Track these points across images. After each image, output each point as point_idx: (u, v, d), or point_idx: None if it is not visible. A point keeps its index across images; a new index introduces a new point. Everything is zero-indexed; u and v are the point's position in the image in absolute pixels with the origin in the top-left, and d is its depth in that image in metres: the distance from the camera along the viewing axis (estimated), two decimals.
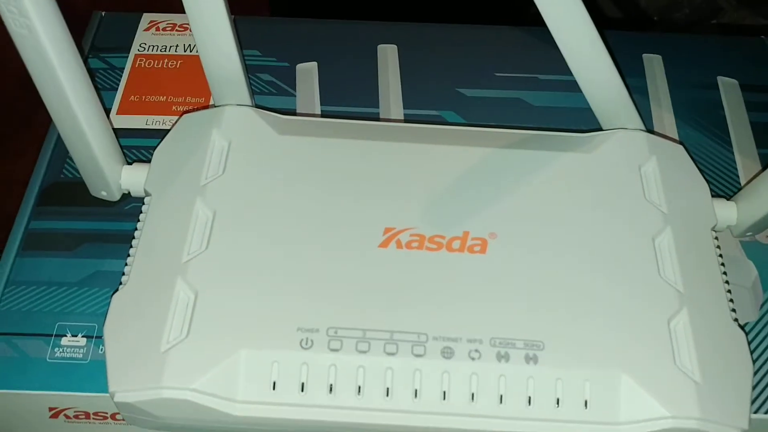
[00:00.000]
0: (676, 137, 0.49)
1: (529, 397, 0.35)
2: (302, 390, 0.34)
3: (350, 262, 0.37)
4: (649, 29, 0.79)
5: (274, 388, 0.34)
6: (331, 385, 0.34)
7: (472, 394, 0.35)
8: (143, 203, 0.41)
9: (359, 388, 0.35)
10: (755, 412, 0.39)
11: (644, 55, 0.54)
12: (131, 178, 0.42)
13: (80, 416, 0.39)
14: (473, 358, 0.35)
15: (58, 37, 0.35)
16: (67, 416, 0.39)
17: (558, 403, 0.35)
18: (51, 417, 0.39)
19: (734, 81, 0.52)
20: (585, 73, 0.42)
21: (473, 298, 0.37)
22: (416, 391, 0.35)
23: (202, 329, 0.35)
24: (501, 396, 0.35)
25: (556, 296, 0.37)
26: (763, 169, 0.44)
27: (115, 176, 0.42)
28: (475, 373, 0.35)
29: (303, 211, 0.39)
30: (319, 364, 0.34)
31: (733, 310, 0.39)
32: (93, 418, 0.40)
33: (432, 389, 0.35)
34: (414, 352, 0.35)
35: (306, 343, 0.35)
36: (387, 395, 0.34)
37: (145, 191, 0.41)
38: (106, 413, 0.39)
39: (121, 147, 0.45)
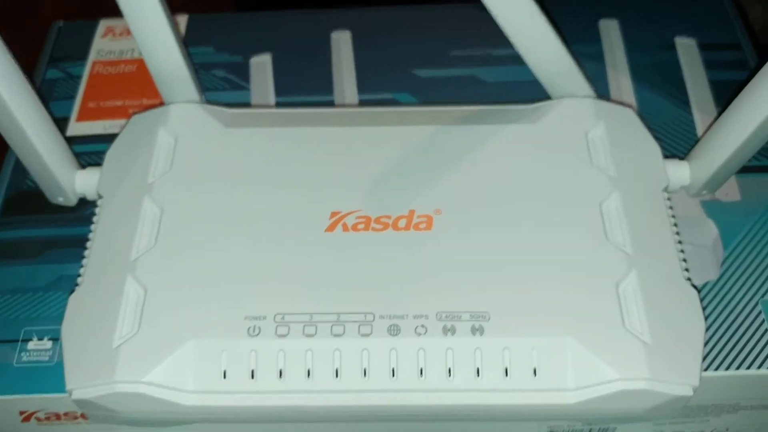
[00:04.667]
0: (634, 102, 0.49)
1: (478, 369, 0.35)
2: (252, 377, 0.35)
3: (297, 248, 0.38)
4: None
5: (224, 377, 0.35)
6: (280, 370, 0.35)
7: (421, 370, 0.35)
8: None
9: (308, 371, 0.35)
10: (715, 370, 0.39)
11: (600, 21, 0.54)
12: (85, 183, 0.43)
13: (51, 417, 0.40)
14: (420, 334, 0.35)
15: None
16: (38, 418, 0.40)
17: (507, 373, 0.35)
18: (23, 421, 0.40)
19: (691, 41, 0.52)
20: (526, 44, 0.42)
21: (419, 274, 0.37)
22: (365, 370, 0.35)
23: (152, 323, 0.36)
24: (449, 369, 0.35)
25: (501, 267, 0.37)
26: (710, 127, 0.43)
27: (69, 182, 0.43)
28: (422, 348, 0.35)
29: (249, 201, 0.39)
30: (268, 351, 0.35)
31: (686, 270, 0.39)
32: (64, 419, 0.40)
33: (380, 367, 0.35)
34: (361, 332, 0.35)
35: (253, 331, 0.35)
36: (336, 376, 0.35)
37: (98, 194, 0.42)
38: (76, 413, 0.40)
39: (82, 153, 0.46)
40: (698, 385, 0.35)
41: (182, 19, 0.54)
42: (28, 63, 0.39)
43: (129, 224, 0.39)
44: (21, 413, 0.40)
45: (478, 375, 0.35)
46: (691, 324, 0.37)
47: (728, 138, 0.40)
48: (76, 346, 0.36)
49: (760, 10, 0.66)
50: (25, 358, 0.40)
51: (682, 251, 0.40)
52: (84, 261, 0.40)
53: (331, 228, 0.38)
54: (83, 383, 0.35)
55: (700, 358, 0.36)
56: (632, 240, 0.38)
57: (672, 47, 0.52)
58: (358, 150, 0.41)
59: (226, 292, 0.37)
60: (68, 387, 0.36)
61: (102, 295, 0.37)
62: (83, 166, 0.44)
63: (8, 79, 0.37)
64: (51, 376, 0.39)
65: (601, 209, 0.39)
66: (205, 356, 0.35)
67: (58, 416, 0.40)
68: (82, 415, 0.40)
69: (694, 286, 0.38)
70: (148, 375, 0.35)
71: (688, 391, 0.35)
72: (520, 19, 0.40)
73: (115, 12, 0.53)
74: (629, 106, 0.46)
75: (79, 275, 0.39)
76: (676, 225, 0.41)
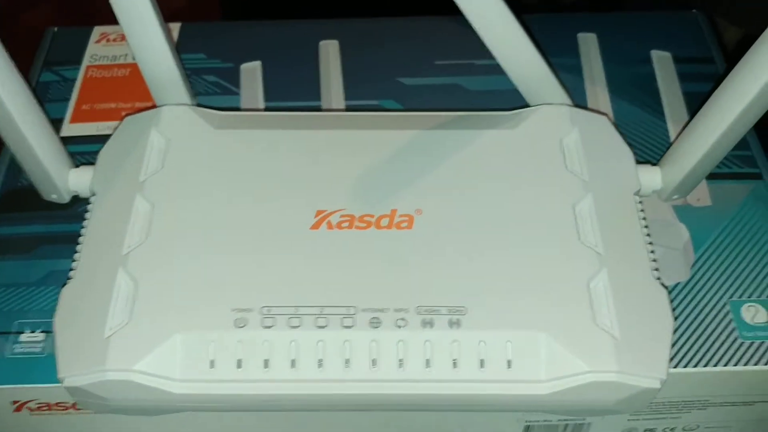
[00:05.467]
0: (610, 111, 0.51)
1: (455, 360, 0.37)
2: (239, 366, 0.36)
3: (283, 244, 0.39)
4: (601, 9, 0.80)
5: (212, 366, 0.36)
6: (266, 360, 0.36)
7: (400, 360, 0.37)
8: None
9: (293, 361, 0.36)
10: (685, 366, 0.40)
11: (579, 35, 0.55)
12: (78, 181, 0.44)
13: (43, 408, 0.41)
14: (399, 326, 0.37)
15: None
16: (30, 409, 0.41)
17: (482, 364, 0.37)
18: (15, 411, 0.41)
19: (667, 54, 0.54)
20: (505, 55, 0.44)
21: (400, 270, 0.39)
22: (347, 360, 0.37)
23: (143, 315, 0.37)
24: (427, 360, 0.37)
25: (478, 264, 0.39)
26: (679, 134, 0.45)
27: (62, 180, 0.44)
28: (402, 340, 0.37)
29: (237, 199, 0.41)
30: (254, 341, 0.36)
31: (656, 270, 0.41)
32: (55, 409, 0.42)
33: (361, 358, 0.37)
34: (343, 324, 0.37)
35: (240, 323, 0.37)
36: (319, 366, 0.36)
37: (91, 191, 0.43)
38: (67, 403, 0.41)
39: (76, 153, 0.47)
40: (666, 379, 0.37)
41: (175, 27, 0.56)
42: None
43: (121, 220, 0.40)
44: (14, 403, 0.41)
45: (455, 366, 0.36)
46: (659, 321, 0.38)
47: (697, 144, 0.42)
48: (68, 335, 0.38)
49: (733, 31, 0.69)
50: (17, 350, 0.41)
51: (652, 252, 0.41)
52: (76, 255, 0.41)
53: (316, 226, 0.40)
54: (75, 371, 0.37)
55: (667, 353, 0.37)
56: (603, 241, 0.40)
57: (648, 60, 0.54)
58: (343, 152, 0.43)
59: (215, 285, 0.38)
60: (60, 375, 0.37)
61: (94, 288, 0.39)
62: (76, 165, 0.45)
63: (6, 79, 0.39)
64: (43, 367, 0.40)
65: (574, 211, 0.41)
66: (193, 346, 0.36)
67: (49, 406, 0.41)
68: (74, 406, 0.41)
69: (664, 286, 0.40)
70: (138, 364, 0.36)
71: (655, 384, 0.37)
72: (499, 31, 0.42)
73: (96, 22, 0.56)
74: (604, 113, 0.47)
75: (71, 269, 0.41)
76: (647, 227, 0.42)
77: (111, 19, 0.53)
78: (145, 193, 0.41)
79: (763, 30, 0.37)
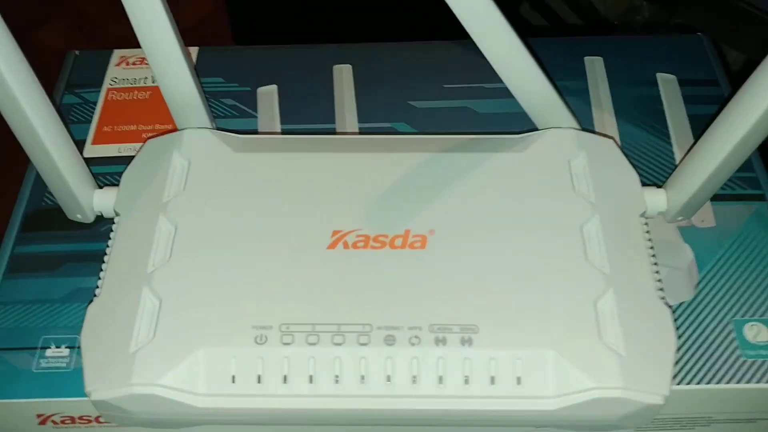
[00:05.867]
0: (617, 134, 0.52)
1: (466, 377, 0.38)
2: (259, 381, 0.38)
3: (301, 263, 0.41)
4: (608, 33, 0.82)
5: (233, 381, 0.38)
6: (285, 376, 0.38)
7: (414, 377, 0.38)
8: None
9: (311, 377, 0.38)
10: (688, 383, 0.42)
11: (586, 58, 0.57)
12: (102, 201, 0.46)
13: (66, 421, 0.43)
14: (413, 344, 0.38)
15: (23, 78, 0.39)
16: (54, 422, 0.43)
17: (493, 381, 0.38)
18: (40, 424, 0.43)
19: (672, 77, 0.56)
20: (514, 80, 0.45)
21: (413, 289, 0.40)
22: (362, 376, 0.38)
23: (167, 331, 0.39)
24: (440, 377, 0.38)
25: (489, 284, 0.40)
26: (684, 156, 0.47)
27: (87, 200, 0.46)
28: (416, 357, 0.38)
29: (257, 220, 0.42)
30: (273, 357, 0.38)
31: (661, 289, 0.42)
32: (78, 423, 0.43)
33: (377, 374, 0.38)
34: (359, 342, 0.38)
35: (260, 339, 0.38)
36: (336, 382, 0.38)
37: (115, 212, 0.45)
38: (90, 417, 0.43)
39: (98, 174, 0.49)
40: (669, 395, 0.38)
41: (193, 51, 0.57)
42: None
43: (145, 240, 0.42)
44: (38, 416, 0.42)
45: (467, 383, 0.38)
46: (663, 339, 0.40)
47: (701, 166, 0.43)
48: (94, 351, 0.39)
49: (737, 54, 0.71)
50: (43, 365, 0.42)
51: (657, 272, 0.42)
52: (101, 273, 0.42)
53: (332, 246, 0.42)
54: (102, 385, 0.38)
55: (671, 370, 0.39)
56: (610, 261, 0.41)
57: (653, 83, 0.55)
58: (358, 174, 0.44)
59: (236, 303, 0.39)
60: (87, 389, 0.38)
61: (120, 305, 0.40)
62: (99, 186, 0.47)
63: (35, 102, 0.40)
64: (68, 382, 0.42)
65: (581, 232, 0.42)
66: (215, 362, 0.38)
67: (72, 420, 0.43)
68: (97, 419, 0.43)
69: (668, 305, 0.41)
70: (163, 378, 0.37)
71: (659, 400, 0.38)
72: (507, 57, 0.44)
73: (107, 40, 0.57)
74: (610, 137, 0.49)
75: (97, 287, 0.42)
76: (652, 248, 0.43)
77: (122, 38, 0.55)
78: (168, 214, 0.43)
79: (766, 54, 0.38)
